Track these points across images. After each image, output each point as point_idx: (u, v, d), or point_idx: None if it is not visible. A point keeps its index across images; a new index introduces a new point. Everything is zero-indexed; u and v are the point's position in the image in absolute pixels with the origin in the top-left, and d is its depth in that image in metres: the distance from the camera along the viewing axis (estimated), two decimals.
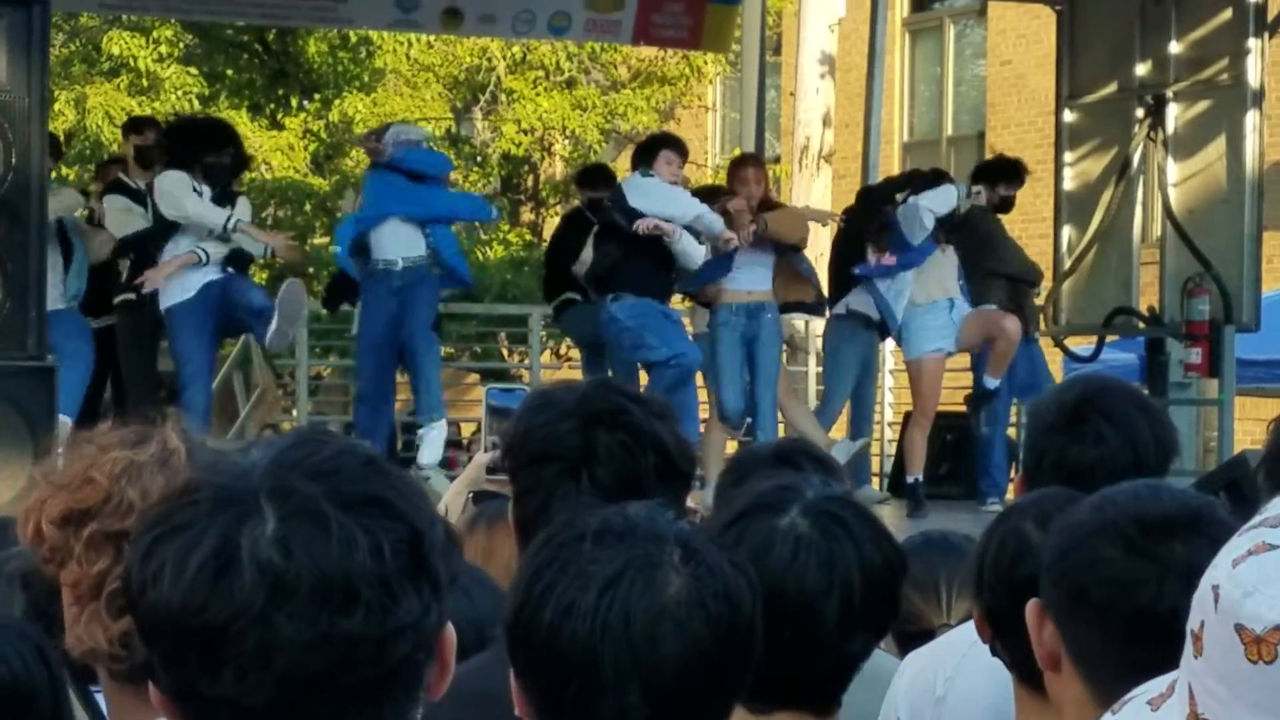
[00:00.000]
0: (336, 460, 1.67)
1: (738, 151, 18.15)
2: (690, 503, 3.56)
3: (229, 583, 1.60)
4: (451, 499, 3.84)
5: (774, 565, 2.53)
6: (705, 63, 22.62)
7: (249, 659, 1.61)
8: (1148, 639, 2.25)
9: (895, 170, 22.43)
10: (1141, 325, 13.59)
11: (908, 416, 13.20)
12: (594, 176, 13.55)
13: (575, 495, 2.75)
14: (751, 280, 11.61)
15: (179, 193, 10.70)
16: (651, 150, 11.57)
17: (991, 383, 12.09)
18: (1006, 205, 12.61)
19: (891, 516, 11.83)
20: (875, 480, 15.21)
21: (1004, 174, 12.66)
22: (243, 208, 11.05)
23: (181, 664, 1.63)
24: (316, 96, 22.07)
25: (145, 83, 21.44)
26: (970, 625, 3.10)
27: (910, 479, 12.02)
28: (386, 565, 1.63)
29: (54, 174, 12.79)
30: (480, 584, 3.34)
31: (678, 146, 11.65)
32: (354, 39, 21.36)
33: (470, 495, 3.82)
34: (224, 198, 10.92)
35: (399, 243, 11.27)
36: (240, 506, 1.63)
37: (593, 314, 11.70)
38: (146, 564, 1.64)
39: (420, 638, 1.67)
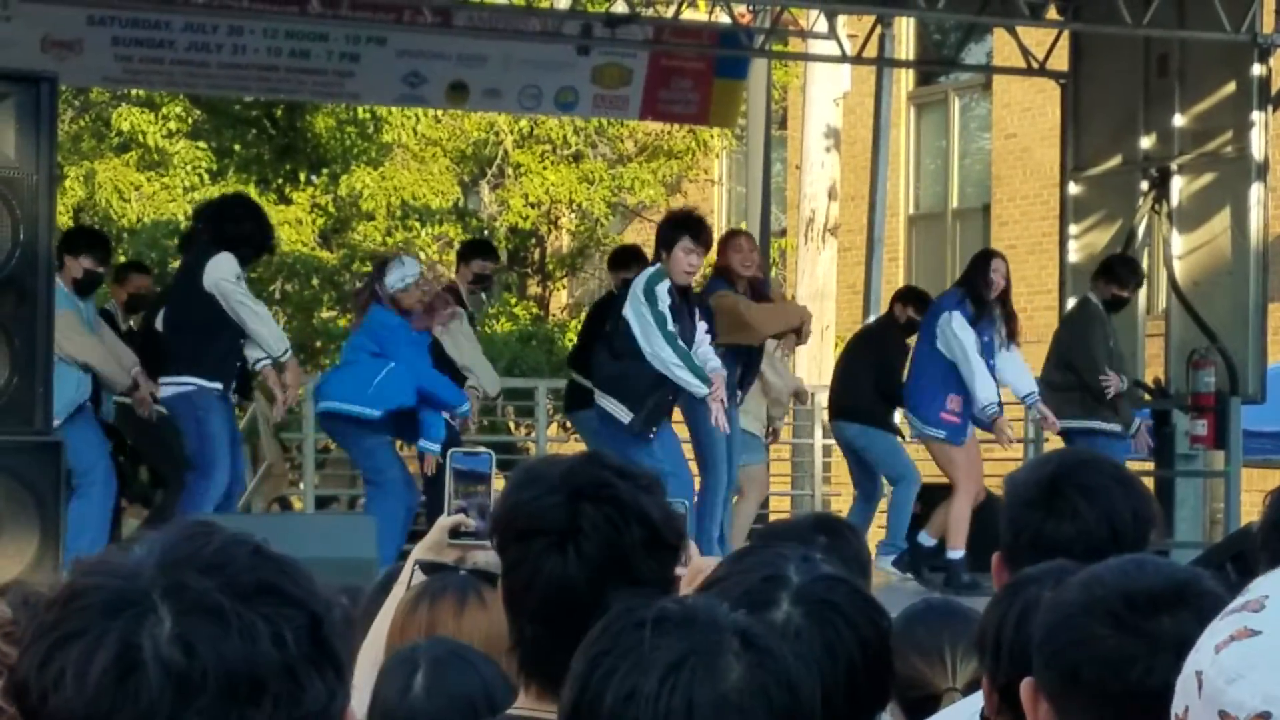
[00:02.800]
0: (226, 552, 1.65)
1: (743, 226, 18.22)
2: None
3: (134, 685, 1.58)
4: (413, 561, 3.81)
5: None
6: (711, 136, 22.69)
7: None
8: (1140, 715, 2.25)
9: (900, 243, 22.49)
10: (1147, 397, 13.59)
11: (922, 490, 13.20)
12: (627, 258, 13.40)
13: (562, 570, 2.75)
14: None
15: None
16: (670, 236, 10.76)
17: (928, 539, 12.05)
18: (1116, 306, 12.69)
19: (907, 590, 11.78)
20: None
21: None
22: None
23: None
24: (324, 171, 22.14)
25: (154, 158, 21.52)
26: (975, 696, 3.08)
27: (955, 555, 11.93)
28: (290, 653, 1.61)
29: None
30: (479, 655, 3.33)
31: (697, 230, 10.81)
32: (362, 114, 21.43)
33: (416, 564, 3.77)
34: None
35: None
36: (135, 607, 1.61)
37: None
38: (44, 672, 1.61)
39: None
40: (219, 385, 10.71)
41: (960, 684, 3.68)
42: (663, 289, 10.50)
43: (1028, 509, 3.52)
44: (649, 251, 11.64)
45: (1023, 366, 12.18)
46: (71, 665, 1.59)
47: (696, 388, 10.44)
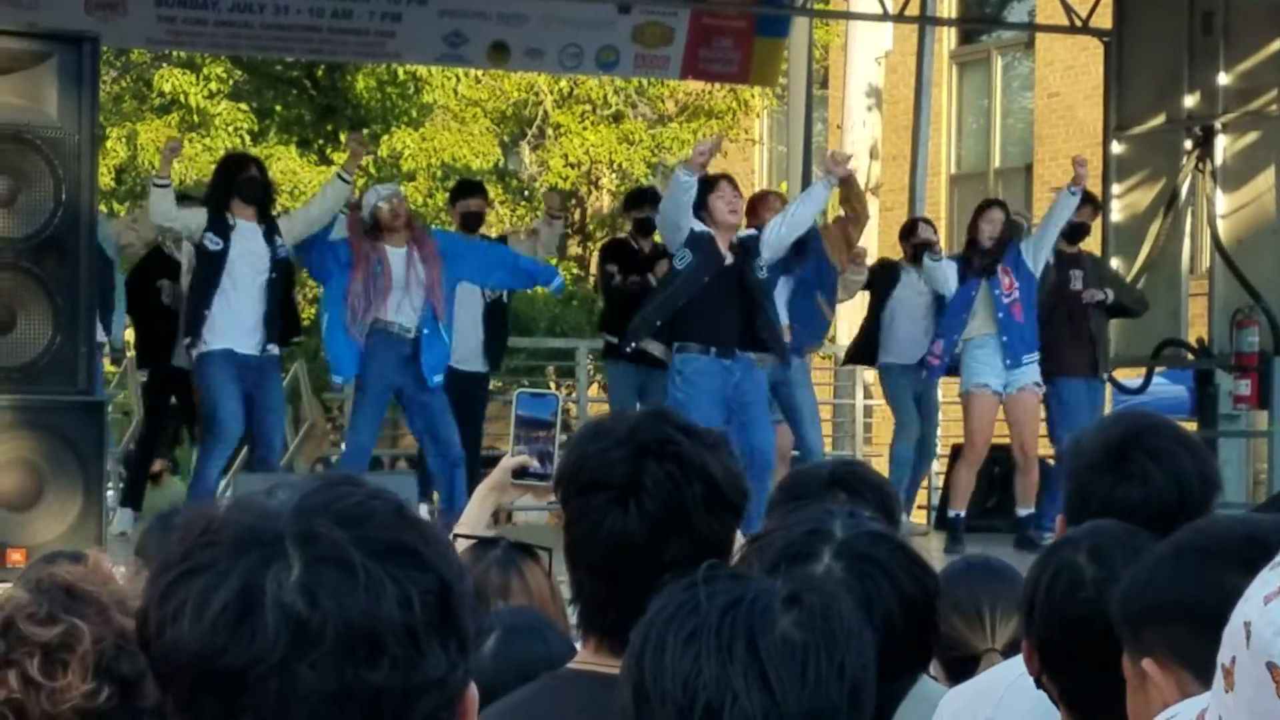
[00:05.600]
0: (367, 506, 1.62)
1: (784, 186, 18.19)
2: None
3: (250, 627, 1.55)
4: (478, 501, 3.80)
5: None
6: (752, 96, 22.64)
7: (268, 708, 1.56)
8: None
9: (942, 203, 22.43)
10: (1190, 357, 13.54)
11: (955, 450, 13.18)
12: (641, 199, 13.43)
13: (623, 525, 2.76)
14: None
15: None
16: (700, 195, 10.88)
17: (1024, 510, 11.86)
18: (1076, 234, 12.44)
19: (944, 550, 11.80)
20: (923, 513, 15.20)
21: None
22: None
23: (198, 709, 1.59)
24: (365, 132, 22.16)
25: (196, 119, 21.57)
26: (1012, 662, 3.07)
27: (952, 513, 11.92)
28: (414, 617, 1.58)
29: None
30: (554, 632, 3.30)
31: (717, 179, 11.17)
32: (402, 75, 21.44)
33: (454, 537, 3.75)
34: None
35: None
36: (265, 549, 1.58)
37: None
38: (165, 603, 1.59)
39: (445, 695, 1.62)
40: (187, 340, 10.72)
41: (1000, 644, 3.68)
42: (695, 224, 10.65)
43: (1096, 474, 3.53)
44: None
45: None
46: (192, 599, 1.57)
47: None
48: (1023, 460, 11.82)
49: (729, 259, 10.71)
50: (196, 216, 10.68)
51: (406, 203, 11.55)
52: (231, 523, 1.61)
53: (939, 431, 15.82)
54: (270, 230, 10.88)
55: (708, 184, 10.96)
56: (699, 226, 10.68)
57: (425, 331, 11.09)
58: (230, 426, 10.63)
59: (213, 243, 10.62)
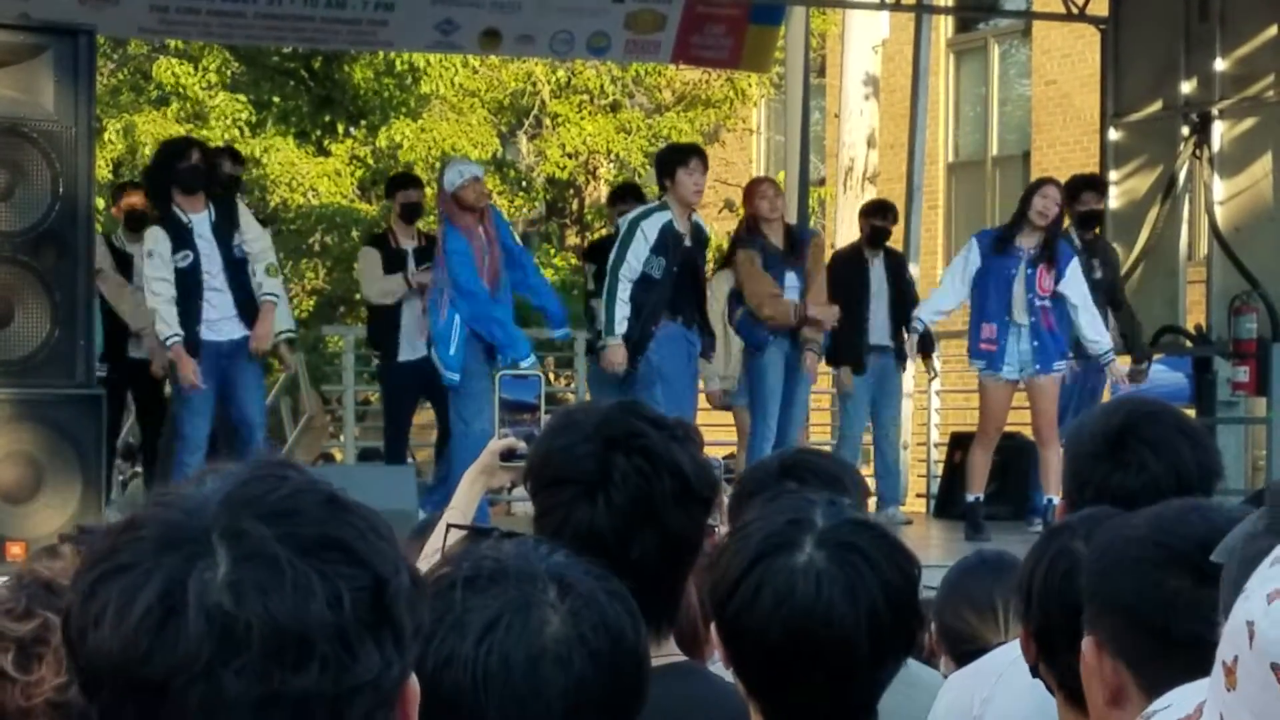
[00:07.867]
0: (295, 499, 1.53)
1: (782, 175, 18.18)
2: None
3: (174, 630, 1.47)
4: (466, 485, 3.79)
5: (800, 606, 2.51)
6: (749, 85, 22.61)
7: (192, 717, 1.48)
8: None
9: (940, 191, 22.43)
10: (1188, 344, 13.54)
11: (954, 437, 13.15)
12: (624, 193, 13.41)
13: (590, 519, 2.76)
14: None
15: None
16: (669, 164, 10.98)
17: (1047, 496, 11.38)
18: (1089, 221, 12.28)
19: (942, 538, 11.78)
20: (922, 501, 15.18)
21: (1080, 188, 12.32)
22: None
23: (122, 718, 1.51)
24: (363, 123, 22.14)
25: (193, 110, 21.55)
26: (1010, 646, 3.08)
27: (970, 498, 11.70)
28: (345, 616, 1.49)
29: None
30: None
31: (693, 154, 11.09)
32: (400, 65, 21.42)
33: (448, 527, 3.74)
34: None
35: None
36: (190, 546, 1.50)
37: None
38: (88, 606, 1.50)
39: (380, 695, 1.53)
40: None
41: (1012, 638, 3.68)
42: (651, 225, 10.67)
43: (1094, 461, 3.53)
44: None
45: (1093, 316, 11.57)
46: (114, 600, 1.49)
47: (604, 327, 10.71)
48: (1039, 446, 11.62)
49: (687, 240, 10.83)
50: (162, 249, 10.30)
51: (485, 184, 11.37)
52: (156, 519, 1.54)
53: (937, 419, 15.83)
54: (224, 221, 10.49)
55: (679, 154, 11.06)
56: (652, 229, 10.65)
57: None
58: (197, 437, 10.40)
59: (183, 259, 10.30)
